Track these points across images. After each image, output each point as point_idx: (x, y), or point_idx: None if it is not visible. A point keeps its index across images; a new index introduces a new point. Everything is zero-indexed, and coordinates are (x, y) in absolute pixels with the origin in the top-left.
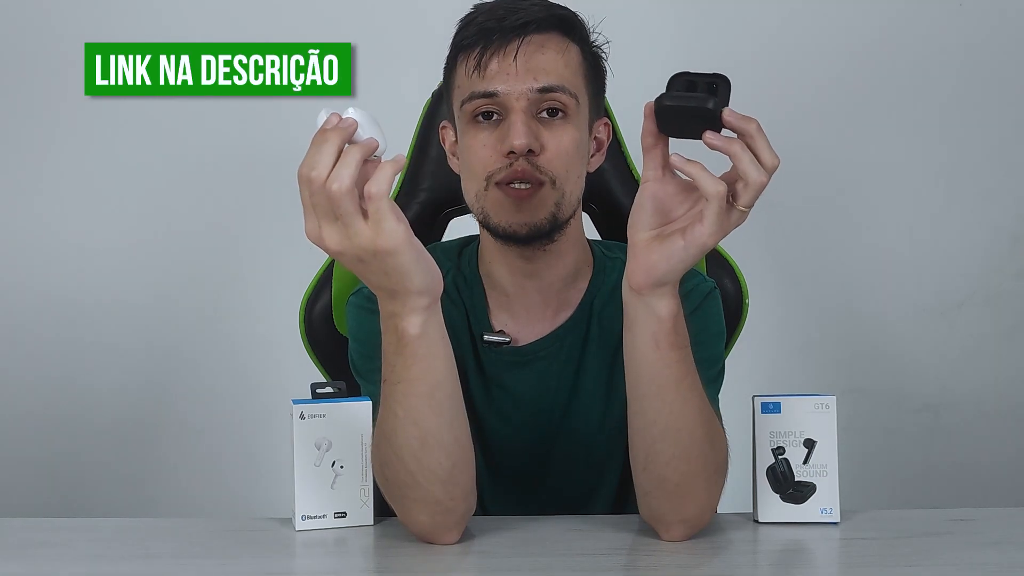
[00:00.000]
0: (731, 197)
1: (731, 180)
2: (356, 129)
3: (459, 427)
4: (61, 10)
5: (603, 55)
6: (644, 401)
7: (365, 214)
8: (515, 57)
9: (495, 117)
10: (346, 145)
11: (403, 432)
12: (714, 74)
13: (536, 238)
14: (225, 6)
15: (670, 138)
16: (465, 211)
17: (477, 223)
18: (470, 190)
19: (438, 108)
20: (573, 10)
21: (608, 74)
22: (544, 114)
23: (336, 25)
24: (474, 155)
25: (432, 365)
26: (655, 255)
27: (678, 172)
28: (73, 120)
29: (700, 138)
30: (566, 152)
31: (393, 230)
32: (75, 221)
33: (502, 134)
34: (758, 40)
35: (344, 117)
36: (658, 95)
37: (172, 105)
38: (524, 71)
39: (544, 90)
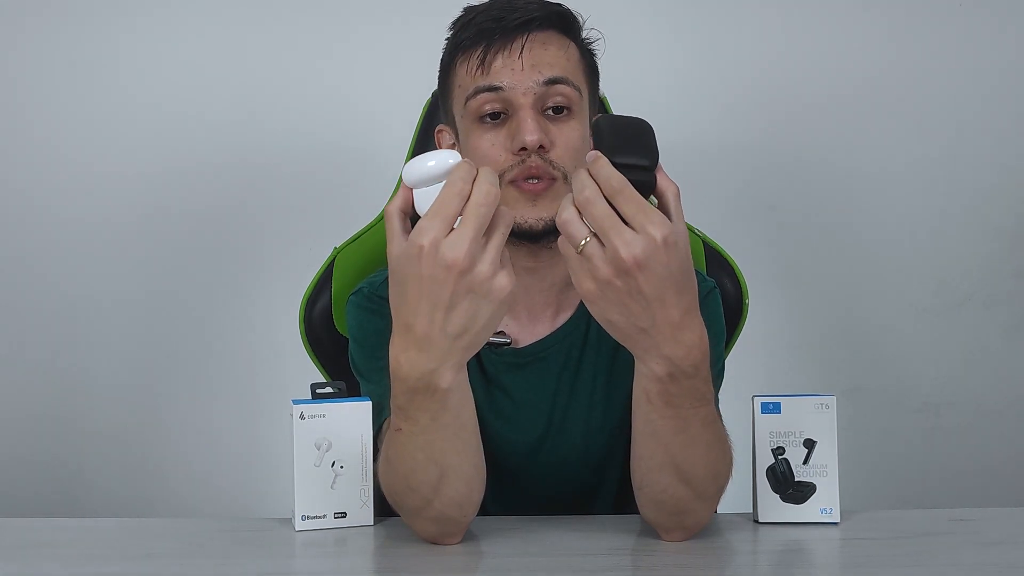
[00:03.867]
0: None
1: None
2: None
3: (478, 456)
4: None
5: (596, 53)
6: (639, 438)
7: None
8: (520, 55)
9: (501, 117)
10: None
11: (422, 471)
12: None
13: (549, 234)
14: None
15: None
16: None
17: None
18: None
19: (437, 109)
20: (568, 7)
21: (601, 66)
22: (550, 111)
23: None
24: (483, 156)
25: (461, 412)
26: None
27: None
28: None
29: None
30: (575, 148)
31: (511, 273)
32: (73, 220)
33: (511, 132)
34: (757, 39)
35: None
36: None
37: (171, 102)
38: (529, 67)
39: (550, 82)
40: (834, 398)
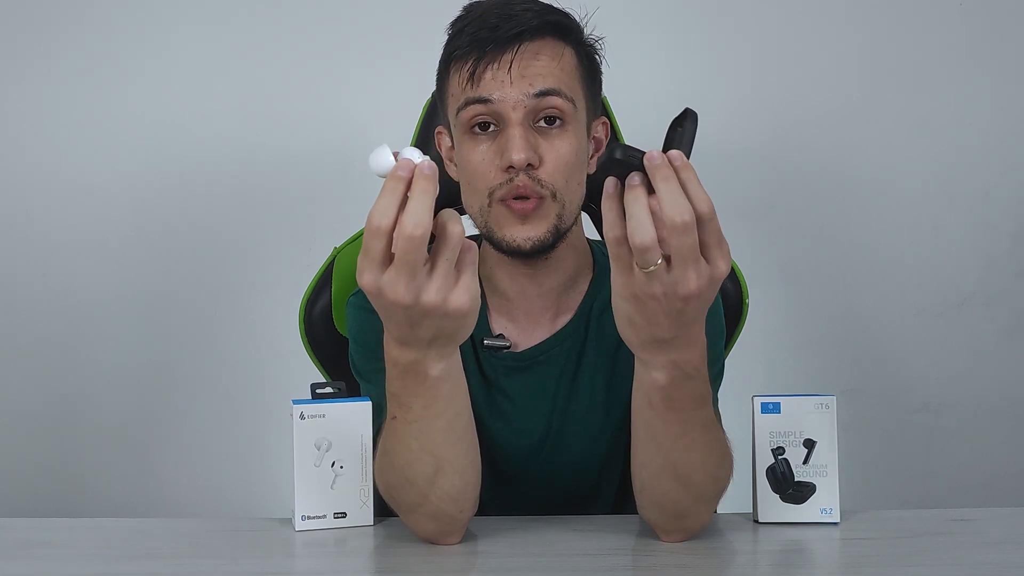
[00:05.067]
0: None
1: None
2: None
3: (473, 449)
4: None
5: (598, 52)
6: (639, 444)
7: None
8: (510, 68)
9: (492, 128)
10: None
11: (418, 462)
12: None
13: (540, 251)
14: None
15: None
16: (463, 212)
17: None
18: (472, 204)
19: (437, 109)
20: (566, 11)
21: (603, 67)
22: (542, 123)
23: None
24: (474, 170)
25: (453, 401)
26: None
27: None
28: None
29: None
30: (565, 163)
31: (469, 288)
32: (73, 220)
33: (500, 147)
34: (757, 37)
35: (417, 161)
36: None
37: (173, 102)
38: (519, 79)
39: (540, 94)
40: (834, 398)
